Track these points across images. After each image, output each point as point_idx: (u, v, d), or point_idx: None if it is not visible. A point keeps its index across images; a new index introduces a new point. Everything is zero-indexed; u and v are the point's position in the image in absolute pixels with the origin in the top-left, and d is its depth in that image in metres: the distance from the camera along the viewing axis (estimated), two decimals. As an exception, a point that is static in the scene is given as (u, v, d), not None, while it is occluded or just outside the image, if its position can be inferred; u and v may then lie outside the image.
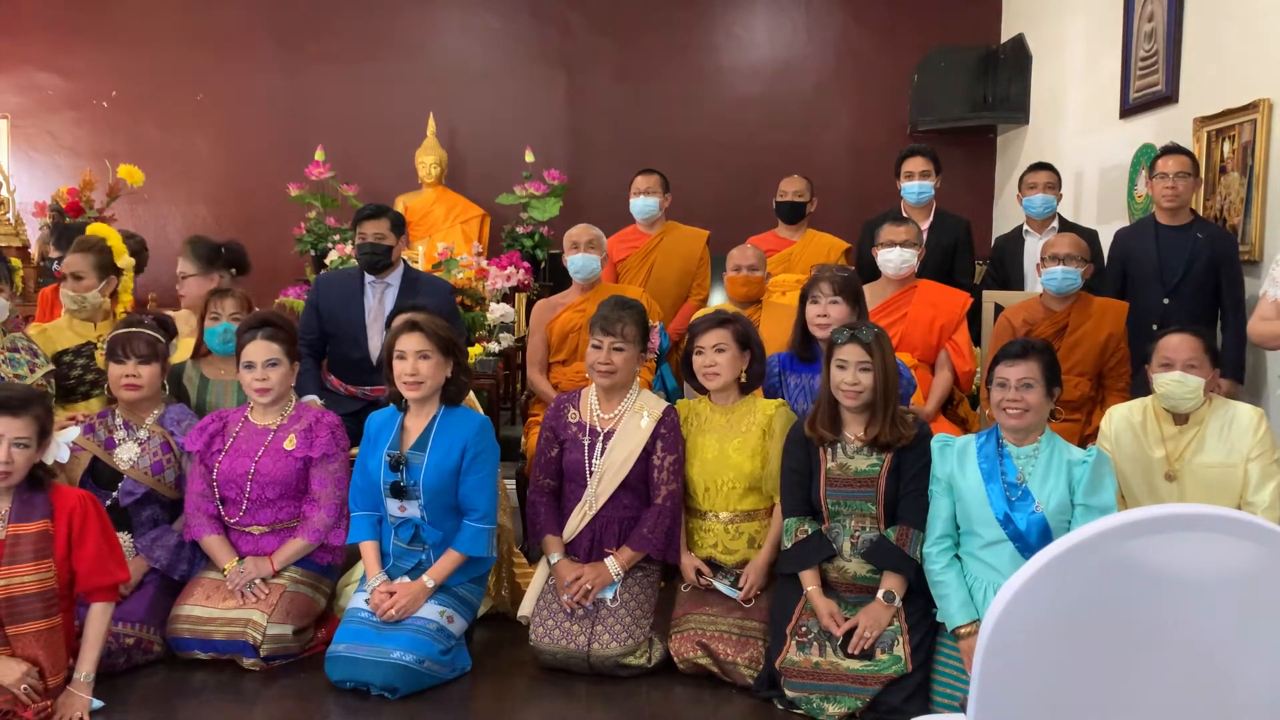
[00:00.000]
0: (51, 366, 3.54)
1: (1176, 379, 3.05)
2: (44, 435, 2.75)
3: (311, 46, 7.21)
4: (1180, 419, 3.14)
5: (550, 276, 6.68)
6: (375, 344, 3.99)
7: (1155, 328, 3.98)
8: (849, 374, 3.06)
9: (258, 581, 3.21)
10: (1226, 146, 4.54)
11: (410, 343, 3.17)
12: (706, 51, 7.32)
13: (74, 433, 2.99)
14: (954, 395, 4.08)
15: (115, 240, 3.93)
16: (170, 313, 3.87)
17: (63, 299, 3.79)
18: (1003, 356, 2.99)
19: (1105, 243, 4.68)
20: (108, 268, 3.83)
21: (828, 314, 3.50)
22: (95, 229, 4.11)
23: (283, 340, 3.34)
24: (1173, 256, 4.14)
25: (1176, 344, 3.09)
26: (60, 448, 2.83)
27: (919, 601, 3.02)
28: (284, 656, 3.17)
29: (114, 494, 3.27)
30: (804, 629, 3.02)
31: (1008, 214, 6.68)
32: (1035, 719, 1.39)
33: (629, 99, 7.27)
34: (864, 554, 3.07)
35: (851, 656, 2.94)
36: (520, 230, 6.72)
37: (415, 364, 3.16)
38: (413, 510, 3.20)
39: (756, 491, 3.31)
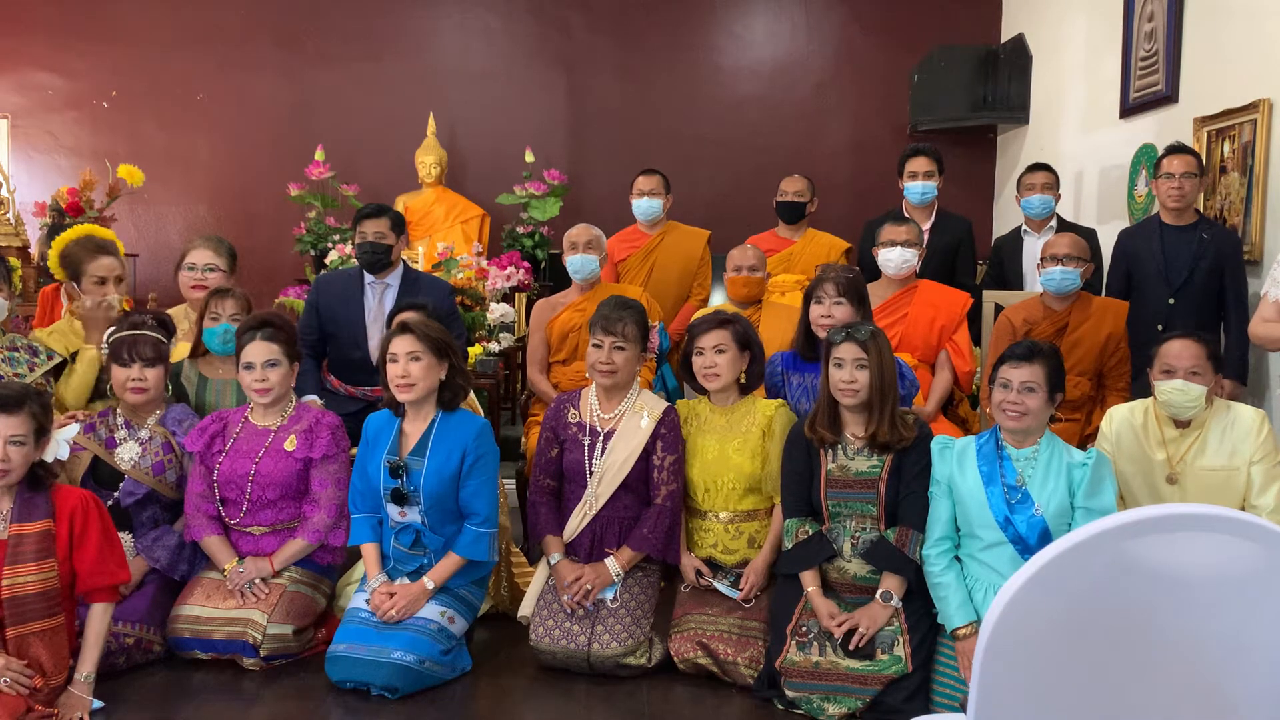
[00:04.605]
0: (51, 365, 3.54)
1: (1178, 387, 3.04)
2: (42, 433, 2.74)
3: (311, 46, 7.21)
4: (1181, 422, 3.13)
5: (550, 276, 6.68)
6: (375, 344, 3.99)
7: (1160, 328, 3.97)
8: (845, 372, 3.06)
9: (258, 581, 3.21)
10: (1226, 146, 4.54)
11: (401, 345, 3.17)
12: (706, 51, 7.32)
13: (73, 429, 2.99)
14: (954, 395, 4.08)
15: (119, 244, 3.99)
16: (167, 311, 3.90)
17: (105, 302, 3.77)
18: (1008, 357, 2.97)
19: (1105, 242, 4.68)
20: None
21: (832, 315, 3.50)
22: (102, 232, 4.11)
23: (282, 341, 3.33)
24: (1178, 257, 4.13)
25: (1178, 350, 3.06)
26: (60, 445, 2.82)
27: (919, 602, 3.02)
28: (284, 656, 3.17)
29: (115, 494, 3.27)
30: (804, 629, 3.02)
31: (1007, 214, 6.68)
32: (1035, 719, 1.39)
33: (629, 99, 7.27)
34: (864, 555, 3.07)
35: (852, 656, 2.94)
36: (520, 230, 6.72)
37: (406, 366, 3.15)
38: (413, 516, 3.20)
39: (756, 492, 3.31)
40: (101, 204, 5.97)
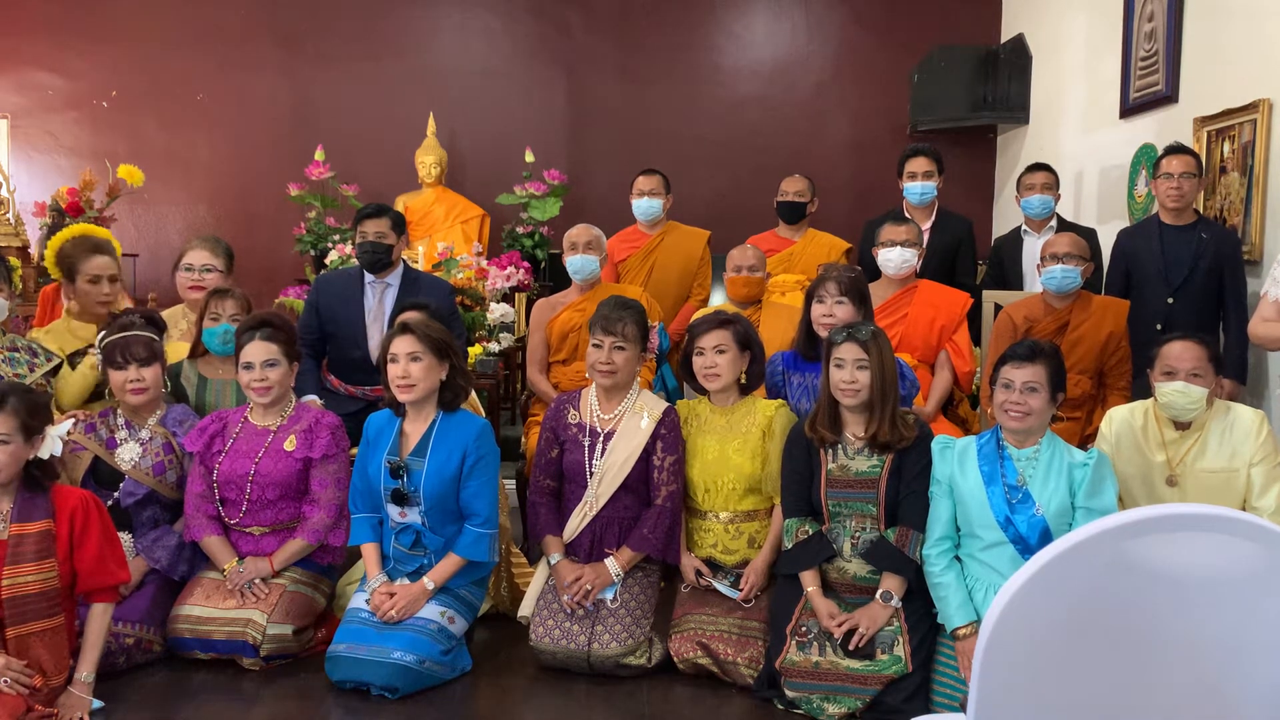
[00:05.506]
0: (50, 366, 3.54)
1: (1179, 389, 3.03)
2: (30, 431, 2.71)
3: (311, 46, 7.21)
4: (1181, 424, 3.12)
5: (550, 276, 6.68)
6: (375, 344, 3.99)
7: (1159, 328, 3.97)
8: (846, 372, 3.06)
9: (257, 581, 3.21)
10: (1226, 146, 4.54)
11: (401, 345, 3.17)
12: (706, 51, 7.32)
13: (66, 426, 2.98)
14: (954, 395, 4.08)
15: (115, 244, 4.00)
16: (165, 311, 3.91)
17: (99, 302, 3.79)
18: (1010, 357, 2.97)
19: (1105, 242, 4.68)
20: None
21: (833, 314, 3.50)
22: (99, 231, 4.12)
23: (282, 341, 3.33)
24: (1177, 257, 4.13)
25: (1179, 352, 3.05)
26: (54, 441, 2.79)
27: (919, 602, 3.02)
28: (284, 656, 3.17)
29: (115, 494, 3.27)
30: (804, 629, 3.02)
31: (1007, 214, 6.68)
32: (1035, 719, 1.39)
33: (629, 99, 7.27)
34: (864, 555, 3.07)
35: (852, 656, 2.94)
36: (520, 230, 6.71)
37: (406, 366, 3.15)
38: (413, 516, 3.19)
39: (756, 492, 3.31)
40: (101, 204, 5.97)
